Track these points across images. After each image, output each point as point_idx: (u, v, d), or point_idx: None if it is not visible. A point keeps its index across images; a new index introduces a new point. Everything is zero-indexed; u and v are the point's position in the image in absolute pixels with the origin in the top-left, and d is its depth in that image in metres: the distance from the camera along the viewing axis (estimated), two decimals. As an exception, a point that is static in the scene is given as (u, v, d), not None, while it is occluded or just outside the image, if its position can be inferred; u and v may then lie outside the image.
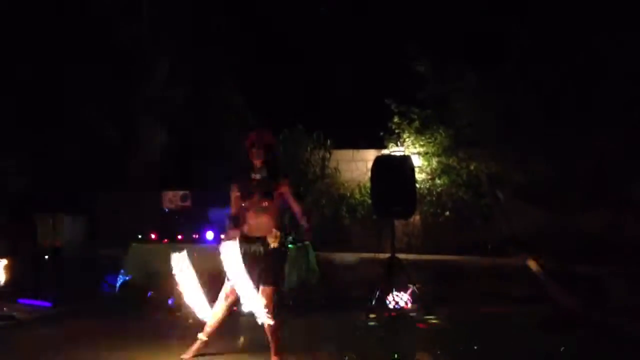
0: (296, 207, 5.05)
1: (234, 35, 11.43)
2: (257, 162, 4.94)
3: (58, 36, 9.92)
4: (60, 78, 9.83)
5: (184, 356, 5.10)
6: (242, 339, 5.89)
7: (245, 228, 4.97)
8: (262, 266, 4.85)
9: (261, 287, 4.83)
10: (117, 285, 7.61)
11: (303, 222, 5.06)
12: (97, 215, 9.46)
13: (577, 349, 5.57)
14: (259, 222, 4.90)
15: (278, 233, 4.87)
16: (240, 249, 4.88)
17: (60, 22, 9.99)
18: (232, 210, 5.06)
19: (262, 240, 4.88)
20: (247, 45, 11.61)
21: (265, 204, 4.89)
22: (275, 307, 4.91)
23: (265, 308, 4.78)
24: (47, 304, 7.36)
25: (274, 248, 4.86)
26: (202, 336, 5.11)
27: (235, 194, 5.03)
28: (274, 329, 4.89)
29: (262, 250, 4.86)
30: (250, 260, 4.86)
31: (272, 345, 4.94)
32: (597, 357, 5.40)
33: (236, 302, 5.01)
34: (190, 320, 6.26)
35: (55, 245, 7.97)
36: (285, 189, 4.97)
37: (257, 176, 4.96)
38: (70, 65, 9.86)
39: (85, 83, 9.88)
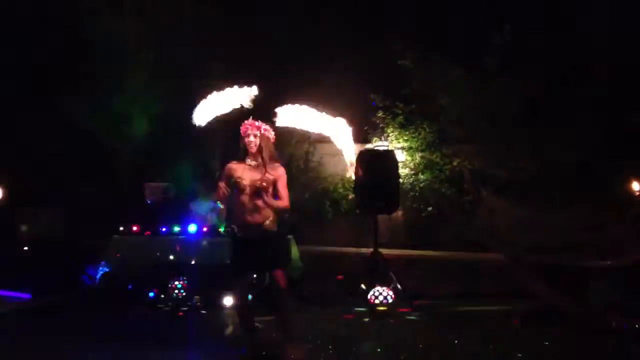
0: (282, 195, 4.94)
1: (218, 25, 11.33)
2: (252, 149, 4.93)
3: (40, 29, 9.80)
4: (43, 69, 9.71)
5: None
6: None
7: (242, 215, 4.91)
8: (269, 251, 4.83)
9: (275, 271, 4.85)
10: (97, 277, 7.55)
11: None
12: (78, 207, 9.36)
13: (560, 343, 5.62)
14: (255, 209, 4.84)
15: (273, 219, 4.83)
16: (239, 235, 4.90)
17: (43, 14, 9.86)
18: (219, 193, 4.91)
19: (259, 226, 4.82)
20: (233, 37, 11.52)
21: (261, 190, 4.82)
22: (290, 290, 4.96)
23: (282, 290, 4.83)
24: (26, 295, 7.29)
25: (272, 232, 4.82)
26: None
27: (226, 175, 4.96)
28: (287, 312, 4.91)
29: (261, 236, 4.81)
30: (251, 246, 4.82)
31: (286, 329, 4.92)
32: (579, 352, 5.45)
33: (249, 293, 5.02)
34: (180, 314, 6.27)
35: (35, 236, 7.88)
36: (278, 175, 4.94)
37: (253, 163, 4.95)
38: (53, 57, 9.73)
39: (69, 75, 9.77)
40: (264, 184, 4.81)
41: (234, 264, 5.02)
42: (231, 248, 5.05)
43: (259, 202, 4.83)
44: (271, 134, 5.07)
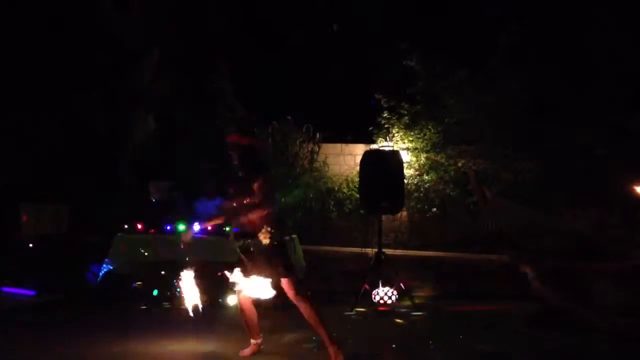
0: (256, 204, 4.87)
1: (224, 27, 11.36)
2: (236, 163, 4.99)
3: (45, 25, 9.82)
4: (47, 66, 9.73)
5: (243, 352, 5.10)
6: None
7: (238, 225, 4.96)
8: (268, 263, 4.82)
9: (283, 281, 4.86)
10: (100, 275, 7.56)
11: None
12: (83, 205, 9.38)
13: (563, 345, 5.62)
14: (247, 220, 4.86)
15: (268, 229, 4.80)
16: (237, 245, 4.93)
17: (48, 10, 9.88)
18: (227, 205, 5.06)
19: (253, 237, 4.83)
20: (237, 37, 11.55)
21: (248, 201, 4.85)
22: (305, 291, 4.93)
23: (295, 298, 4.84)
24: (31, 292, 7.31)
25: (266, 245, 4.81)
26: (253, 340, 5.11)
27: (229, 191, 5.04)
28: (315, 315, 4.87)
29: (255, 248, 4.82)
30: (249, 257, 4.86)
31: (322, 335, 4.91)
32: (582, 353, 5.45)
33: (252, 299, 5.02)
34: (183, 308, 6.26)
35: (39, 233, 7.89)
36: (255, 187, 4.84)
37: (240, 174, 5.00)
38: (58, 53, 9.76)
39: (74, 71, 9.79)
40: (248, 202, 4.84)
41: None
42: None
43: (250, 217, 4.84)
44: (252, 145, 5.01)
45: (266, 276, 4.82)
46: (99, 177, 10.04)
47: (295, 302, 4.89)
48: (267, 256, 4.83)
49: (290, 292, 4.86)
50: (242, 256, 4.92)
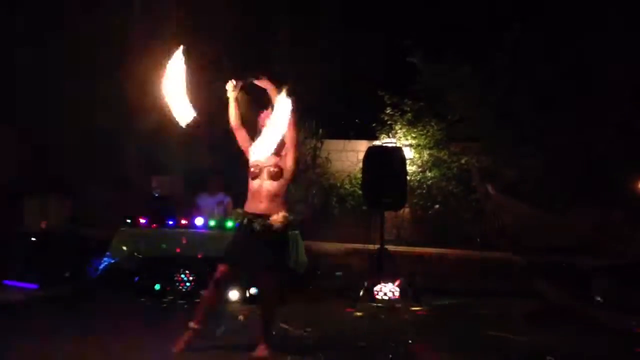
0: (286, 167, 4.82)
1: (227, 20, 11.33)
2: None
3: (51, 20, 9.84)
4: (51, 60, 9.74)
5: (175, 349, 4.83)
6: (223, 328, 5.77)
7: (249, 204, 4.83)
8: (262, 248, 4.69)
9: (261, 273, 4.76)
10: (100, 268, 7.56)
11: None
12: (85, 198, 9.40)
13: (566, 343, 5.62)
14: (263, 200, 4.75)
15: (284, 214, 4.71)
16: (243, 224, 4.79)
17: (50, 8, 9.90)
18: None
19: (264, 218, 4.71)
20: (240, 34, 11.52)
21: (272, 181, 4.76)
22: (277, 292, 4.84)
23: (265, 293, 4.76)
24: (33, 286, 7.33)
25: (276, 229, 4.69)
26: (193, 324, 4.86)
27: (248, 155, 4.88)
28: (270, 316, 4.80)
29: (263, 229, 4.67)
30: (250, 237, 4.71)
31: (262, 332, 4.80)
32: (583, 351, 5.44)
33: (227, 287, 4.91)
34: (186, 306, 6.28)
35: (41, 227, 7.91)
36: (282, 164, 4.80)
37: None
38: (62, 48, 9.76)
39: (79, 65, 9.79)
40: (271, 182, 4.74)
41: (227, 251, 4.89)
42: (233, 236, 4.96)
43: (268, 198, 4.74)
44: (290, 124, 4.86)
45: (259, 263, 4.72)
46: (102, 171, 10.05)
47: (264, 294, 4.80)
48: (271, 241, 4.71)
49: (265, 285, 4.77)
50: (243, 235, 4.79)
